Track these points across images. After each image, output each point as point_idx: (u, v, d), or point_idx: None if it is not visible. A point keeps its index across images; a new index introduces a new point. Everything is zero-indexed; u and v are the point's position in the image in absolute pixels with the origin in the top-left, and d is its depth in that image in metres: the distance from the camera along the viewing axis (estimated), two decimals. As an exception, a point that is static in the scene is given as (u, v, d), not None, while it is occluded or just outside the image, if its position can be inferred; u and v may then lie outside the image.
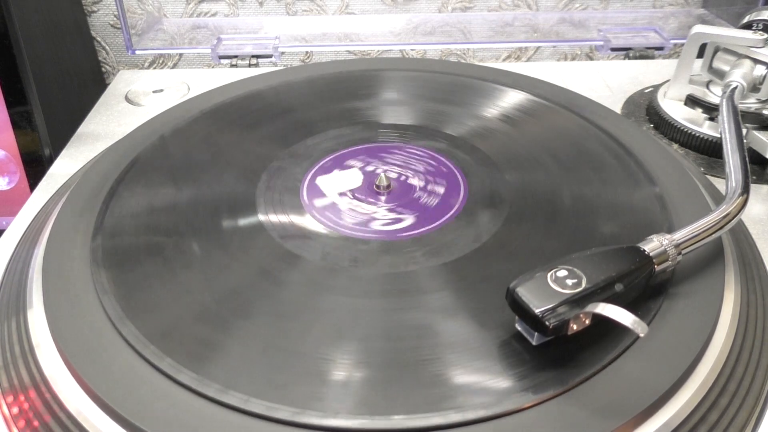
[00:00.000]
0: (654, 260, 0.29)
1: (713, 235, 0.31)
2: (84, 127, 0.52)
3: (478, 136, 0.43)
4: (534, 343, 0.27)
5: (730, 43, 0.46)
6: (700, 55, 0.48)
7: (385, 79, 0.50)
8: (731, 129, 0.39)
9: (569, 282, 0.26)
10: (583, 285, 0.26)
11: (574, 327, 0.26)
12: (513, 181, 0.38)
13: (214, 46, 0.63)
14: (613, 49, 0.63)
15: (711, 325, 0.29)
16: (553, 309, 0.26)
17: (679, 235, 0.30)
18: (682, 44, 0.49)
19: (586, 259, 0.28)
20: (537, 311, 0.26)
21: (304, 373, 0.27)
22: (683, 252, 0.30)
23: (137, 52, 0.65)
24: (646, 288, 0.29)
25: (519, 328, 0.28)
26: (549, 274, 0.27)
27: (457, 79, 0.50)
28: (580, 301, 0.26)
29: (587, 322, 0.26)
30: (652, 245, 0.29)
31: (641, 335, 0.24)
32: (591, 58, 0.79)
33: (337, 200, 0.38)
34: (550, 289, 0.26)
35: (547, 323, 0.25)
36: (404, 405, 0.25)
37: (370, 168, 0.40)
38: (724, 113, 0.41)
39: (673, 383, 0.26)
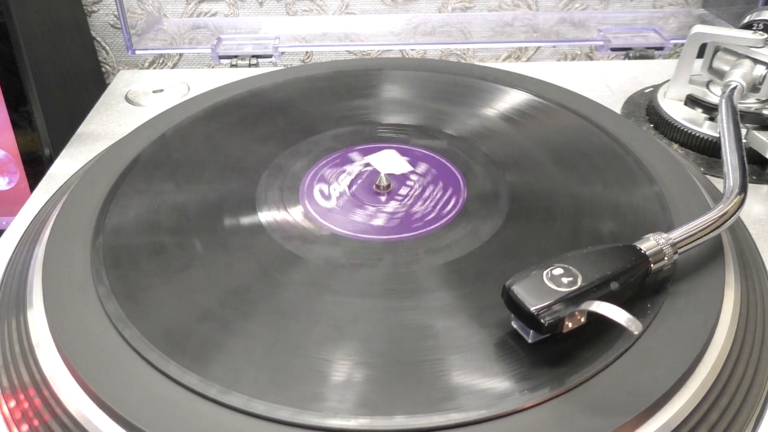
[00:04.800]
0: (650, 259, 0.29)
1: (710, 234, 0.31)
2: (84, 127, 0.52)
3: (478, 136, 0.43)
4: (530, 340, 0.27)
5: (730, 43, 0.46)
6: (700, 55, 0.48)
7: (385, 79, 0.50)
8: (730, 129, 0.39)
9: (565, 280, 0.26)
10: (579, 283, 0.26)
11: (570, 325, 0.26)
12: (513, 181, 0.38)
13: (214, 46, 0.63)
14: (613, 49, 0.63)
15: (711, 324, 0.29)
16: (549, 307, 0.26)
17: (676, 234, 0.30)
18: (682, 44, 0.49)
19: (582, 257, 0.28)
20: (532, 309, 0.26)
21: (305, 373, 0.27)
22: (680, 251, 0.30)
23: (137, 52, 0.65)
24: (642, 286, 0.29)
25: (515, 326, 0.28)
26: (545, 272, 0.27)
27: (457, 79, 0.50)
28: (575, 299, 0.26)
29: (582, 320, 0.27)
30: (649, 244, 0.29)
31: (635, 333, 0.24)
32: (591, 58, 0.79)
33: (338, 200, 0.38)
34: (546, 287, 0.26)
35: (542, 321, 0.25)
36: (404, 405, 0.25)
37: (364, 169, 0.40)
38: (724, 113, 0.41)
39: (674, 383, 0.26)
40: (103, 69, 0.78)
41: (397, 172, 0.39)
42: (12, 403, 0.28)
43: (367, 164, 0.40)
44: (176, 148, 0.42)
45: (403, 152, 0.42)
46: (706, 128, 0.46)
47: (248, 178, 0.39)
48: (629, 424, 0.25)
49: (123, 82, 0.59)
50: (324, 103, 0.47)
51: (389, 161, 0.40)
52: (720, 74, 0.47)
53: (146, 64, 0.79)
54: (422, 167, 0.40)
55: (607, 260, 0.28)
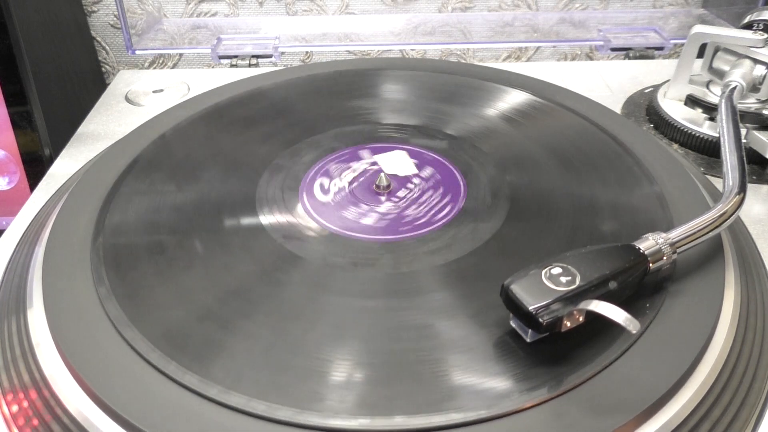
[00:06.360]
0: (649, 258, 0.29)
1: (709, 234, 0.31)
2: (84, 127, 0.52)
3: (478, 136, 0.43)
4: (528, 340, 0.27)
5: (730, 43, 0.46)
6: (700, 55, 0.48)
7: (385, 79, 0.50)
8: (729, 129, 0.39)
9: (563, 279, 0.26)
10: (577, 282, 0.26)
11: (568, 324, 0.26)
12: (513, 181, 0.38)
13: (214, 46, 0.63)
14: (613, 49, 0.63)
15: (711, 324, 0.29)
16: (547, 306, 0.26)
17: (675, 233, 0.30)
18: (682, 44, 0.49)
19: (580, 256, 0.28)
20: (530, 308, 0.26)
21: (306, 373, 0.27)
22: (679, 250, 0.30)
23: (137, 52, 0.65)
24: (642, 286, 0.29)
25: (513, 325, 0.28)
26: (543, 272, 0.27)
27: (457, 79, 0.50)
28: (573, 298, 0.26)
29: (581, 319, 0.27)
30: (647, 243, 0.29)
31: (634, 332, 0.24)
32: (591, 58, 0.79)
33: (338, 200, 0.38)
34: (544, 286, 0.26)
35: (540, 320, 0.26)
36: (404, 405, 0.25)
37: (370, 167, 0.40)
38: (723, 113, 0.41)
39: (674, 383, 0.26)
40: (103, 69, 0.78)
41: (401, 173, 0.39)
42: (12, 404, 0.28)
43: (373, 162, 0.40)
44: (176, 148, 0.42)
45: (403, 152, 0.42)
46: (706, 128, 0.46)
47: (248, 178, 0.39)
48: (629, 424, 0.25)
49: (123, 82, 0.59)
50: (324, 104, 0.47)
51: (396, 162, 0.39)
52: (720, 74, 0.47)
53: (146, 64, 0.79)
54: (422, 168, 0.40)
55: (605, 260, 0.28)
